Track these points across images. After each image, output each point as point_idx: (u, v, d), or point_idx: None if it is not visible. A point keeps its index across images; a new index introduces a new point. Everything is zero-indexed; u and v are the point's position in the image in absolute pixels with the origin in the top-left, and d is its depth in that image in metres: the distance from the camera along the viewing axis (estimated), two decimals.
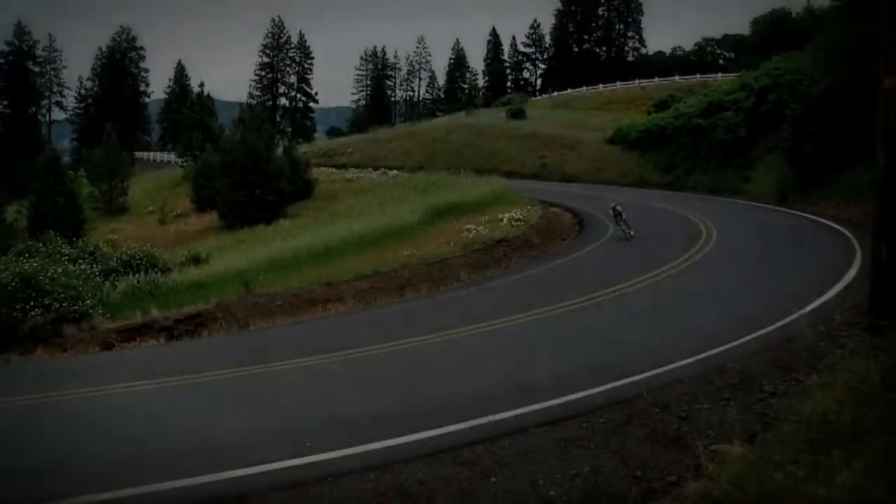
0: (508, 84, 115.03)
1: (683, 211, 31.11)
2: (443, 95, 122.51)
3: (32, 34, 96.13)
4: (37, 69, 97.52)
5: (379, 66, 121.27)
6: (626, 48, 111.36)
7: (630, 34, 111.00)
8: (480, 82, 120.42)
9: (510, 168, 53.97)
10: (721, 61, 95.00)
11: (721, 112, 42.49)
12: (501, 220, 28.78)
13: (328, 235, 29.80)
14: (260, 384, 11.37)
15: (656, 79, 74.62)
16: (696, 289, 16.71)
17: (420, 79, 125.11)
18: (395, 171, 54.57)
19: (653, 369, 9.55)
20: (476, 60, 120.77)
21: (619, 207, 26.15)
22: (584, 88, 78.91)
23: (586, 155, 52.94)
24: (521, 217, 29.22)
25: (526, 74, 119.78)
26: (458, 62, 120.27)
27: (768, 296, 14.52)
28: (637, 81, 75.58)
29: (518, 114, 66.12)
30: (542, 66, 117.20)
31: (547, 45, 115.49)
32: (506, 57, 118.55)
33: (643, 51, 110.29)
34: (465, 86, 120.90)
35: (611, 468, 6.58)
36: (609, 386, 9.01)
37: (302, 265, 24.85)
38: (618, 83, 76.79)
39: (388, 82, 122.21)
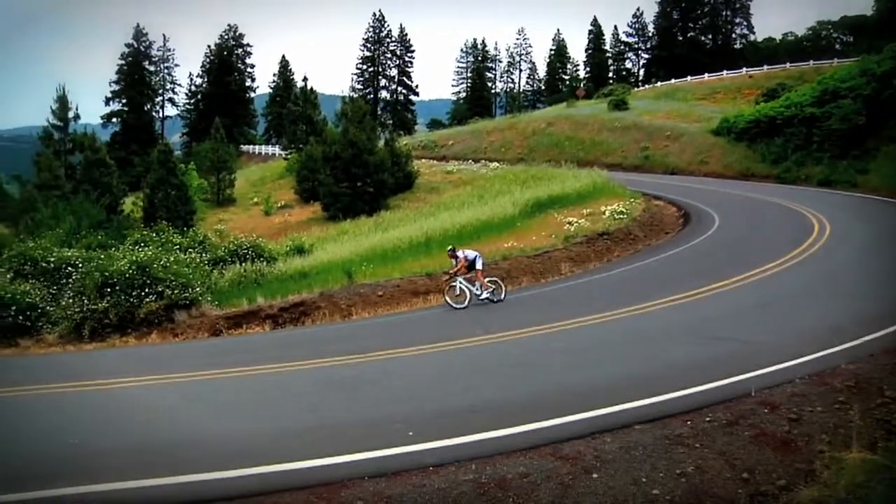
0: (610, 75, 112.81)
1: (795, 205, 29.90)
2: (543, 87, 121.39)
3: (149, 35, 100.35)
4: (152, 68, 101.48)
5: (479, 58, 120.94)
6: (734, 35, 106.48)
7: (738, 20, 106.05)
8: (581, 73, 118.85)
9: (611, 160, 53.18)
10: (838, 46, 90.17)
11: (837, 100, 40.52)
12: (603, 213, 28.42)
13: (429, 227, 29.98)
14: (363, 373, 11.61)
15: (765, 67, 71.29)
16: (805, 287, 16.12)
17: (520, 70, 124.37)
18: (495, 164, 54.51)
19: (759, 369, 9.29)
20: (577, 51, 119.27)
21: (467, 253, 18.66)
22: (689, 78, 76.39)
23: (690, 146, 51.58)
24: (623, 210, 28.78)
25: (628, 65, 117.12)
26: (559, 53, 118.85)
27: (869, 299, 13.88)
28: (745, 70, 72.32)
29: (620, 105, 64.89)
30: (645, 55, 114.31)
31: (650, 35, 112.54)
32: (607, 47, 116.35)
33: (752, 37, 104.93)
34: (566, 77, 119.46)
35: (716, 469, 6.45)
36: (714, 385, 8.80)
37: (403, 256, 25.12)
38: (724, 72, 73.84)
39: (489, 74, 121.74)
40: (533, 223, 28.72)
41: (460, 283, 18.41)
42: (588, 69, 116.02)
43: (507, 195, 36.13)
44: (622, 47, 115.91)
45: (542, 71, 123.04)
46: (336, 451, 7.35)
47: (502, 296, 18.48)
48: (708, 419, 7.59)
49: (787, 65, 69.68)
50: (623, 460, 6.70)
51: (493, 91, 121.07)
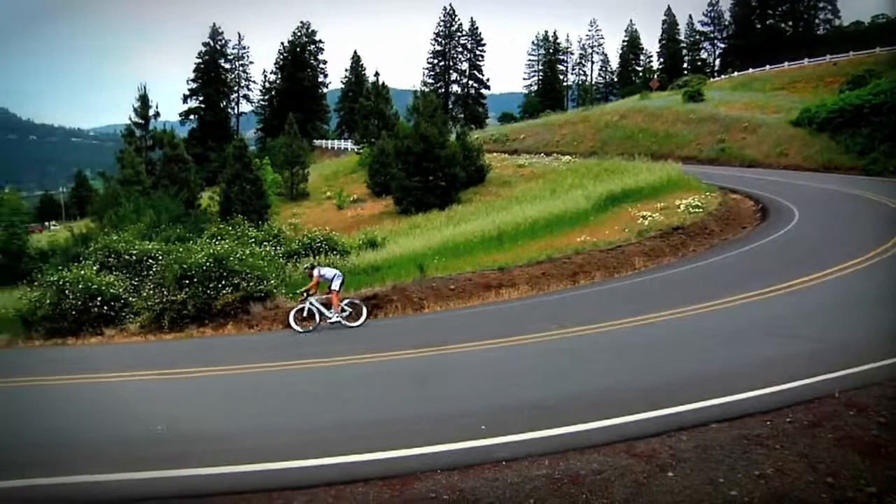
0: (684, 66, 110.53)
1: (882, 199, 28.80)
2: (615, 79, 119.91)
3: (224, 34, 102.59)
4: (227, 66, 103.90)
5: (551, 51, 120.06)
6: (816, 20, 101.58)
7: (821, 4, 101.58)
8: (655, 64, 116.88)
9: (686, 153, 52.22)
10: None
11: None
12: (678, 206, 27.92)
13: (501, 221, 29.94)
14: (436, 366, 11.68)
15: (851, 53, 67.40)
16: (893, 286, 15.52)
17: (592, 62, 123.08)
18: (567, 157, 54.07)
19: (843, 369, 8.96)
20: (650, 42, 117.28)
21: (325, 271, 18.07)
22: (767, 67, 73.83)
23: (768, 138, 50.17)
24: (698, 204, 28.22)
25: (703, 55, 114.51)
26: (632, 44, 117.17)
27: None
28: (828, 57, 68.79)
29: (695, 96, 63.53)
30: (721, 45, 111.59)
31: (726, 23, 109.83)
32: (682, 37, 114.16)
33: (836, 22, 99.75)
34: (639, 69, 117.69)
35: (798, 472, 6.25)
36: (795, 384, 8.54)
37: (475, 250, 25.14)
38: (805, 60, 70.64)
39: (560, 67, 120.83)
40: (606, 217, 28.42)
41: (311, 304, 17.75)
42: (661, 60, 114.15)
43: (580, 189, 35.84)
44: (697, 37, 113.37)
45: (614, 63, 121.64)
46: (409, 444, 7.38)
47: (360, 321, 17.39)
48: (788, 420, 7.37)
49: (878, 49, 64.59)
50: (699, 459, 6.55)
51: (564, 84, 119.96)
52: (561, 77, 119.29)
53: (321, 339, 16.70)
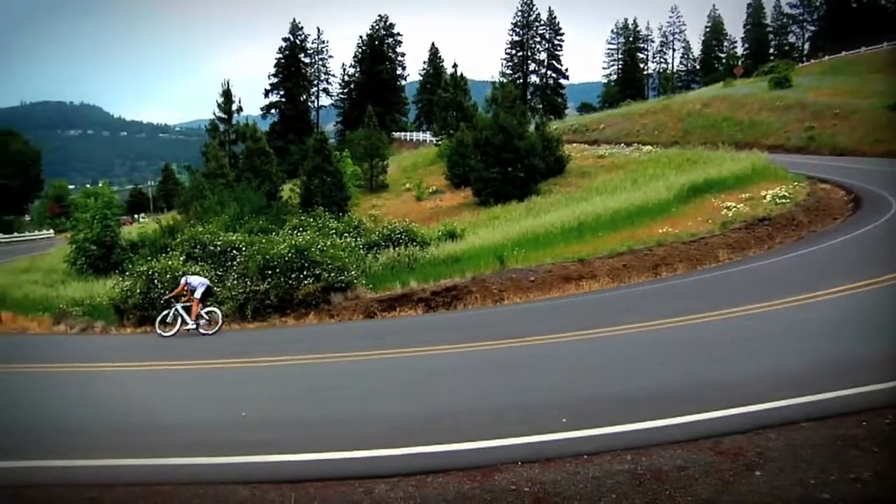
0: (771, 51, 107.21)
1: None
2: (698, 67, 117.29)
3: (304, 29, 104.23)
4: (307, 60, 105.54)
5: (630, 39, 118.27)
6: None
7: None
8: (739, 51, 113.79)
9: (773, 142, 50.66)
10: None
11: None
12: (763, 197, 27.12)
13: (581, 212, 29.66)
14: (516, 358, 11.59)
15: None
16: None
17: (674, 50, 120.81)
18: (648, 147, 53.17)
19: None
20: (734, 27, 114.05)
21: (191, 280, 19.25)
22: (863, 49, 69.96)
23: (862, 125, 48.16)
24: (785, 194, 27.33)
25: (791, 39, 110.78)
26: (715, 30, 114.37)
27: None
28: None
29: (782, 82, 61.49)
30: (811, 27, 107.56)
31: (817, 4, 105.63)
32: (768, 21, 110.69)
33: None
34: (723, 55, 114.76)
35: None
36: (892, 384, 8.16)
37: (554, 242, 24.96)
38: None
39: (640, 55, 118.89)
40: (688, 208, 27.83)
41: (176, 309, 18.86)
42: (746, 46, 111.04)
43: (661, 179, 35.20)
44: (785, 20, 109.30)
45: (696, 50, 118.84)
46: (489, 435, 7.35)
47: (214, 329, 18.39)
48: (888, 421, 7.04)
49: None
50: (789, 459, 6.31)
51: (645, 72, 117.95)
52: (641, 66, 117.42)
53: (403, 328, 16.86)
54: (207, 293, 19.24)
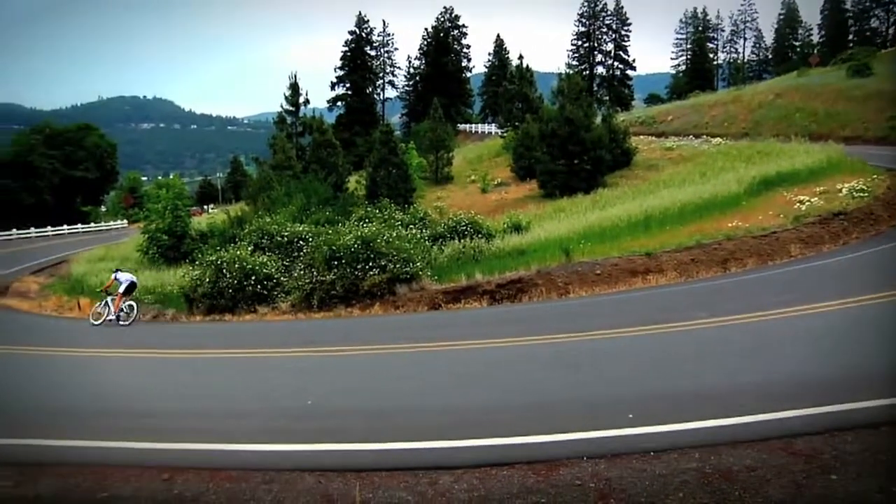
0: (850, 37, 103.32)
1: None
2: (770, 56, 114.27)
3: (370, 22, 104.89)
4: (373, 53, 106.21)
5: (700, 29, 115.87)
6: None
7: None
8: (815, 38, 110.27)
9: (850, 133, 48.90)
10: None
11: None
12: (839, 190, 26.30)
13: (648, 205, 29.26)
14: (581, 352, 11.48)
15: None
16: None
17: (745, 39, 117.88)
18: (717, 139, 52.17)
19: None
20: (811, 14, 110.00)
21: (120, 276, 21.88)
22: None
23: None
24: (863, 188, 26.42)
25: (874, 23, 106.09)
26: (789, 17, 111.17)
27: None
28: None
29: (861, 70, 59.12)
30: None
31: None
32: (848, 5, 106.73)
33: None
34: (797, 43, 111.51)
35: None
36: None
37: (621, 235, 24.69)
38: None
39: (710, 45, 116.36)
40: (759, 202, 27.16)
41: (107, 301, 21.45)
42: (822, 33, 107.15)
43: (731, 172, 34.50)
44: (868, 3, 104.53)
45: (769, 39, 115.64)
46: (553, 430, 7.29)
47: (129, 321, 20.91)
48: None
49: None
50: (868, 463, 6.07)
51: (714, 62, 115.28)
52: (711, 56, 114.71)
53: (468, 320, 16.88)
54: (130, 288, 21.76)
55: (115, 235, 63.77)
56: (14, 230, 64.07)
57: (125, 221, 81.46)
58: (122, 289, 21.39)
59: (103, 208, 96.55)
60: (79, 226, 74.32)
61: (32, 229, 66.25)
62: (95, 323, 20.99)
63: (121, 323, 20.93)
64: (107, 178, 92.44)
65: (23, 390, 12.30)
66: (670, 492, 5.75)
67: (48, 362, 15.41)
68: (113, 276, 22.10)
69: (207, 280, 22.83)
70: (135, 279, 22.39)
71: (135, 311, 21.43)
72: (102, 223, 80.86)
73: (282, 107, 54.05)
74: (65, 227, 71.39)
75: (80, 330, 21.37)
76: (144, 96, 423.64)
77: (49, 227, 68.83)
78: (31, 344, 17.99)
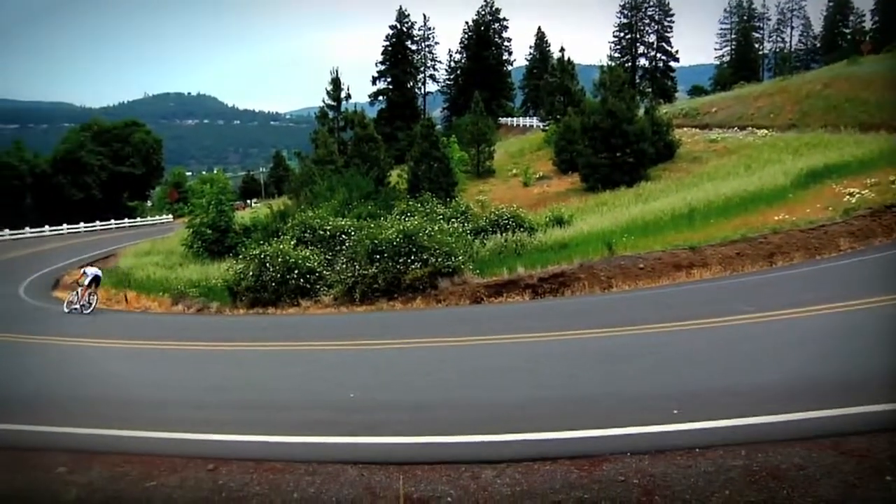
0: None
1: None
2: (818, 44, 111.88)
3: (410, 16, 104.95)
4: (414, 47, 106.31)
5: (745, 18, 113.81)
6: None
7: None
8: (867, 25, 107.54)
9: None
10: None
11: None
12: (892, 182, 25.62)
13: (691, 198, 28.96)
14: (625, 346, 11.36)
15: None
16: None
17: (792, 28, 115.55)
18: (763, 131, 51.26)
19: None
20: None
21: (87, 270, 24.31)
22: None
23: None
24: None
25: None
26: (839, 4, 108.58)
27: None
28: None
29: None
30: None
31: None
32: None
33: None
34: (847, 31, 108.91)
35: None
36: None
37: (664, 229, 24.45)
38: None
39: (755, 34, 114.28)
40: (807, 194, 26.60)
41: (77, 291, 23.44)
42: (876, 19, 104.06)
43: (778, 164, 33.96)
44: None
45: (817, 27, 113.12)
46: (596, 424, 7.25)
47: (89, 310, 22.92)
48: None
49: None
50: None
51: (760, 52, 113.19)
52: (756, 45, 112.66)
53: (510, 314, 16.83)
54: (94, 281, 23.62)
55: (160, 230, 64.87)
56: (65, 225, 65.60)
57: (170, 216, 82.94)
58: (86, 281, 23.37)
59: (149, 203, 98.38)
60: (125, 220, 75.82)
61: (81, 224, 67.78)
62: (66, 311, 23.18)
63: (84, 312, 22.82)
64: (152, 173, 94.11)
65: (76, 381, 12.59)
66: (716, 489, 5.66)
67: (100, 353, 15.74)
68: (83, 270, 24.60)
69: (251, 273, 23.09)
70: (99, 273, 24.52)
71: (95, 303, 23.51)
72: (148, 218, 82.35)
73: (324, 102, 54.54)
74: (112, 221, 72.97)
75: (121, 322, 21.97)
76: (189, 93, 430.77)
77: (97, 222, 70.36)
78: (79, 336, 18.33)
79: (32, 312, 24.63)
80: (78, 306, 23.02)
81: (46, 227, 63.74)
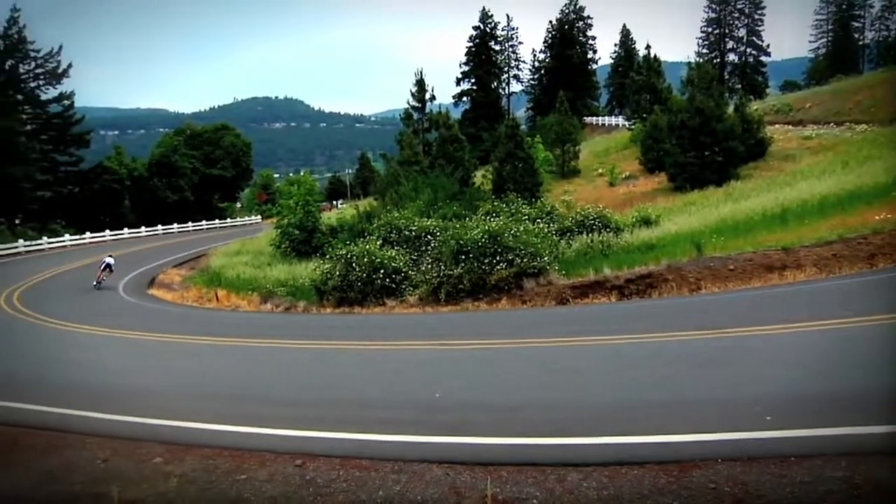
0: None
1: None
2: None
3: (493, 17, 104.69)
4: (497, 48, 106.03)
5: (843, 6, 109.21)
6: None
7: None
8: None
9: None
10: None
11: None
12: None
13: (784, 198, 28.09)
14: (716, 349, 11.06)
15: None
16: None
17: None
18: (862, 126, 49.22)
19: None
20: None
21: (105, 259, 32.20)
22: None
23: None
24: None
25: None
26: None
27: None
28: None
29: None
30: None
31: None
32: None
33: None
34: None
35: None
36: None
37: (755, 229, 23.79)
38: None
39: (855, 24, 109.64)
40: None
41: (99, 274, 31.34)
42: None
43: (878, 161, 32.51)
44: None
45: None
46: (686, 429, 7.09)
47: (100, 286, 30.59)
48: None
49: None
50: None
51: (860, 43, 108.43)
52: (856, 35, 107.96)
53: (596, 315, 16.64)
54: (107, 267, 31.36)
55: (250, 230, 66.60)
56: (159, 226, 68.06)
57: (259, 217, 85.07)
58: (102, 266, 31.37)
59: (239, 204, 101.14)
60: (216, 221, 78.18)
61: (175, 225, 70.24)
62: (95, 287, 30.56)
63: (97, 288, 30.32)
64: (242, 175, 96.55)
65: (168, 376, 13.02)
66: (814, 500, 5.46)
67: (190, 349, 16.21)
68: (104, 257, 32.63)
69: (337, 273, 23.46)
70: (112, 262, 31.93)
71: (102, 282, 31.05)
72: (238, 219, 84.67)
73: (408, 103, 54.77)
74: (204, 222, 75.36)
75: (206, 318, 22.58)
76: (276, 96, 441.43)
77: (190, 223, 72.80)
78: (170, 332, 18.91)
79: (133, 308, 25.54)
80: (94, 284, 30.67)
81: (143, 228, 66.27)
